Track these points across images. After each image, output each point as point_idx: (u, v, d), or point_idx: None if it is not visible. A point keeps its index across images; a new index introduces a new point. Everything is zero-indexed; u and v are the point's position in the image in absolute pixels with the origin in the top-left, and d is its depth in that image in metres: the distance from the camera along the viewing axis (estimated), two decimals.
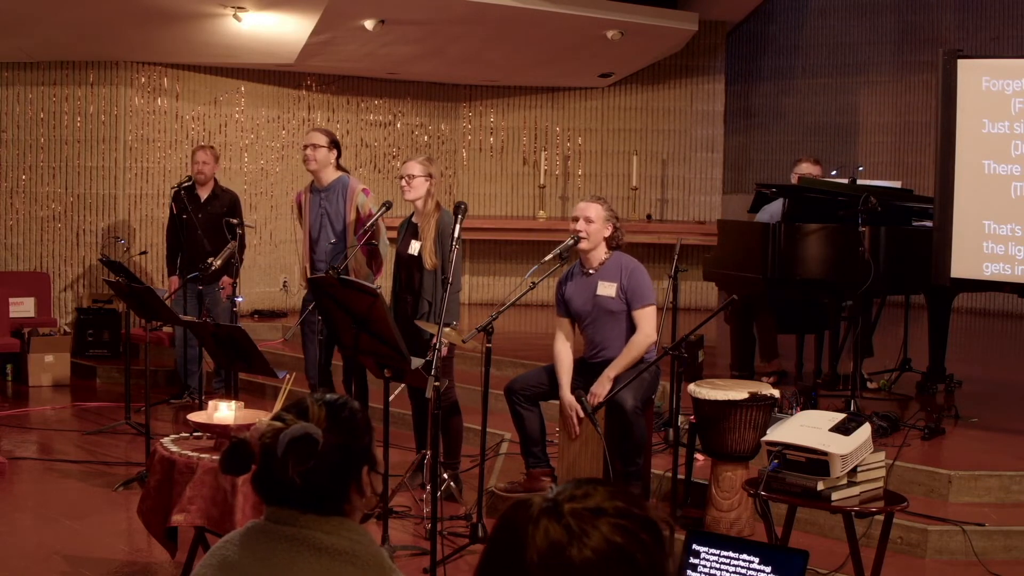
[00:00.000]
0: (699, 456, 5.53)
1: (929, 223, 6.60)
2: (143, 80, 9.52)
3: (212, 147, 8.28)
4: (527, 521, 1.44)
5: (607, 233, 5.49)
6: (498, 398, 5.74)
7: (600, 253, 5.51)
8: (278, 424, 2.04)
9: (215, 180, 8.13)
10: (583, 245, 5.47)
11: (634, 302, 5.41)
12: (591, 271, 5.52)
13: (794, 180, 7.33)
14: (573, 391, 5.34)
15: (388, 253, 6.58)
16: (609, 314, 5.45)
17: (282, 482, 2.01)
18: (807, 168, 7.47)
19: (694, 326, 5.25)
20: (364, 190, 6.64)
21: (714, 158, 11.61)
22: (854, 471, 4.10)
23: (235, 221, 7.46)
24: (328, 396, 2.12)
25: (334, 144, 6.65)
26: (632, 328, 5.42)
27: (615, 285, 5.43)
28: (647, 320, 5.40)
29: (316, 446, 1.99)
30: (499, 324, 5.11)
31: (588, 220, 5.45)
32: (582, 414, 5.30)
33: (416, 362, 4.85)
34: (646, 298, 5.41)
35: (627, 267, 5.47)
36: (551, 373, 5.54)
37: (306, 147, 6.65)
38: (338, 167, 6.70)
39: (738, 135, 12.35)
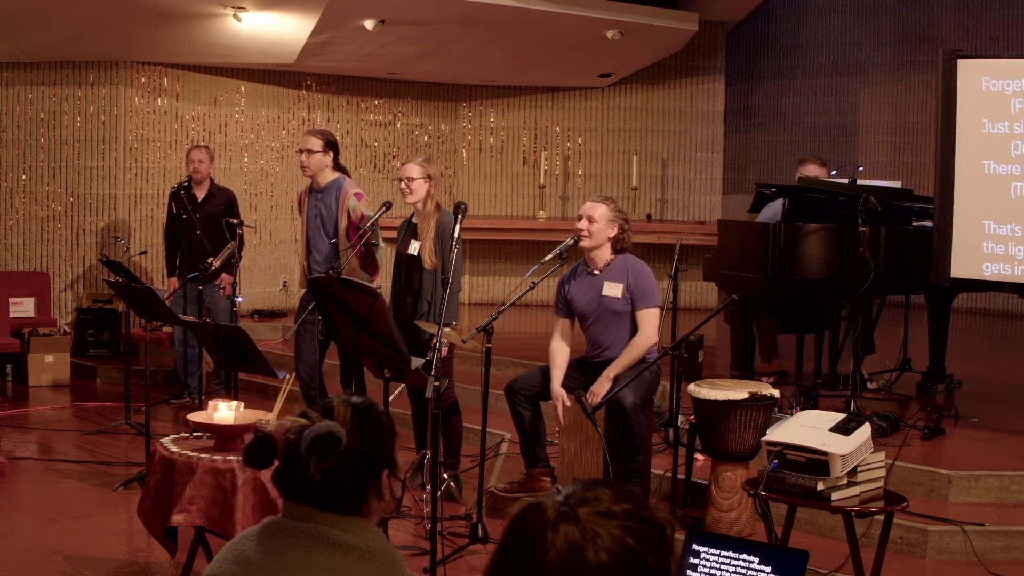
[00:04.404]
0: (699, 456, 5.53)
1: (929, 223, 6.59)
2: (143, 80, 9.52)
3: (207, 146, 8.26)
4: (544, 525, 1.47)
5: (611, 233, 5.46)
6: (498, 398, 5.73)
7: (605, 253, 5.49)
8: (304, 421, 2.07)
9: (211, 179, 8.11)
10: (585, 244, 5.45)
11: (639, 303, 5.40)
12: (596, 271, 5.51)
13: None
14: (573, 391, 5.34)
15: (385, 255, 6.53)
16: (614, 315, 5.45)
17: (303, 479, 2.03)
18: (815, 170, 7.41)
19: (694, 326, 5.25)
20: (357, 194, 6.42)
21: (714, 158, 11.61)
22: (854, 471, 4.10)
23: (235, 221, 7.45)
24: (355, 398, 2.15)
25: (329, 146, 6.45)
26: (635, 329, 5.42)
27: (622, 286, 5.42)
28: (649, 322, 5.40)
29: (339, 445, 2.02)
30: (499, 324, 5.11)
31: (591, 219, 5.44)
32: (568, 403, 5.30)
33: (416, 362, 4.85)
34: (651, 300, 5.40)
35: (634, 268, 5.45)
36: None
37: (300, 151, 6.49)
38: (337, 167, 6.52)
39: (738, 135, 12.34)
